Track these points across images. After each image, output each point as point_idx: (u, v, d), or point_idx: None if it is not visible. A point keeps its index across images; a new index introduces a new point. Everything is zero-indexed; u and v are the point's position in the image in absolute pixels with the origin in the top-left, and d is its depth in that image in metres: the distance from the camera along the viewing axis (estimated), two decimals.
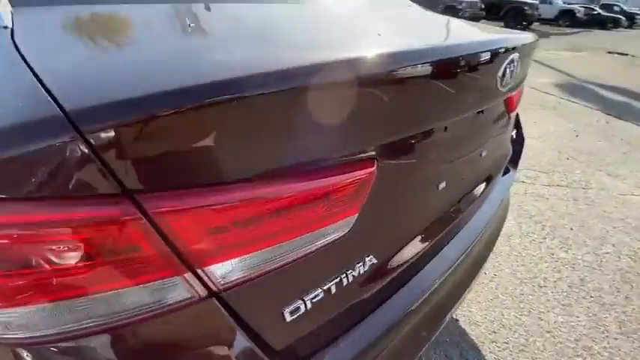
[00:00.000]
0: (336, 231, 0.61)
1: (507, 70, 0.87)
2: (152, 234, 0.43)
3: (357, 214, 0.63)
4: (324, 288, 0.61)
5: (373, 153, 0.64)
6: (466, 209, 1.03)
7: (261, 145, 0.49)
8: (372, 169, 0.63)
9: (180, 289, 0.46)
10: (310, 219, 0.56)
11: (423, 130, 0.76)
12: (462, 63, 0.73)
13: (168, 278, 0.45)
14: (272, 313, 0.56)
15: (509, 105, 1.18)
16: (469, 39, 0.86)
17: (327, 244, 0.60)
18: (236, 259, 0.50)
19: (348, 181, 0.59)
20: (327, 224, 0.59)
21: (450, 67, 0.72)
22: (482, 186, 1.15)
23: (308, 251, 0.58)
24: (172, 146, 0.42)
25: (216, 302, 0.49)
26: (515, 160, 1.46)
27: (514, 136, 1.47)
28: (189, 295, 0.47)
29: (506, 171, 1.40)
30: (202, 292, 0.48)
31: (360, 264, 0.67)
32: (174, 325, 0.48)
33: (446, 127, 0.83)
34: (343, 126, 0.57)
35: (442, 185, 0.86)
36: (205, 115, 0.43)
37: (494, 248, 1.33)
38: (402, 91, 0.64)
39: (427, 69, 0.66)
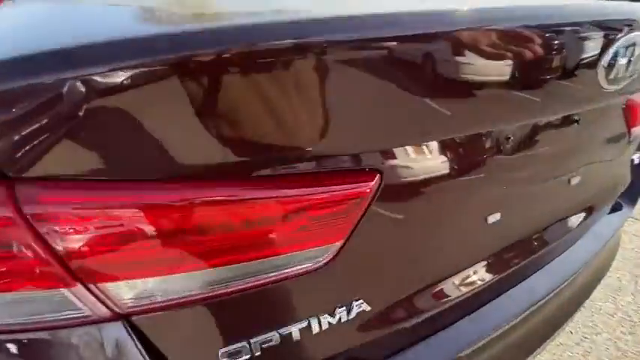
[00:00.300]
0: (306, 260, 0.46)
1: (619, 59, 0.59)
2: (29, 233, 0.34)
3: (341, 242, 0.47)
4: (283, 332, 0.46)
5: (375, 162, 0.47)
6: (538, 251, 0.76)
7: (199, 134, 0.36)
8: (369, 184, 0.46)
9: (70, 304, 0.37)
10: (265, 239, 0.42)
11: (465, 135, 0.55)
12: (536, 37, 0.50)
13: (53, 290, 0.36)
14: (201, 352, 0.44)
15: (630, 115, 0.85)
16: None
17: (291, 275, 0.45)
18: (151, 279, 0.39)
19: (327, 195, 0.44)
20: (290, 250, 0.44)
21: (517, 41, 0.49)
22: (570, 223, 0.85)
23: (260, 282, 0.44)
24: (61, 124, 0.33)
25: (122, 328, 0.39)
26: (634, 195, 1.08)
27: (636, 161, 1.08)
28: (80, 314, 0.38)
29: (618, 207, 1.04)
30: (101, 312, 0.38)
31: (343, 309, 0.50)
32: (64, 343, 0.39)
33: (508, 136, 0.60)
34: (327, 117, 0.41)
35: (494, 217, 0.63)
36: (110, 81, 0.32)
37: (588, 303, 1.00)
38: (432, 71, 0.45)
39: (476, 37, 0.46)
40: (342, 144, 0.45)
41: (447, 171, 0.55)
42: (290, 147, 0.42)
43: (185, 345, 0.43)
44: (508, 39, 0.49)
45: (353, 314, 0.51)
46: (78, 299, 0.37)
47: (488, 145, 0.58)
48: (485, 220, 0.63)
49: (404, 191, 0.51)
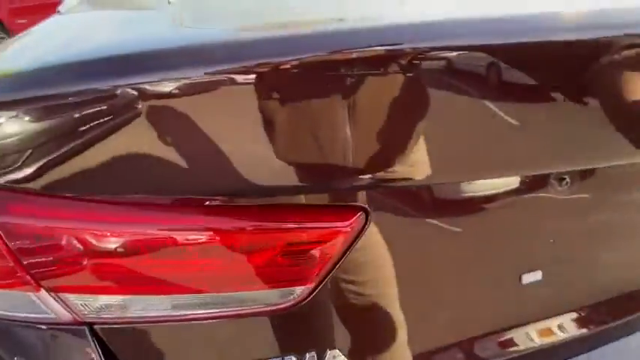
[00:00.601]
0: (272, 298, 0.42)
1: None
2: None
3: (312, 285, 0.42)
4: None
5: (359, 198, 0.41)
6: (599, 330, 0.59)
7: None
8: (346, 223, 0.40)
9: (37, 306, 0.40)
10: (223, 273, 0.40)
11: (497, 177, 0.45)
12: (597, 51, 0.38)
13: (21, 292, 0.39)
14: None
15: None
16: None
17: (253, 312, 0.42)
18: (110, 296, 0.40)
19: (300, 232, 0.39)
20: (250, 288, 0.41)
21: (566, 61, 0.39)
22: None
23: (217, 314, 0.41)
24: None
25: (85, 334, 0.41)
26: None
27: None
28: (48, 317, 0.40)
29: None
30: (65, 318, 0.40)
31: (313, 356, 0.45)
32: (36, 340, 0.42)
33: (563, 178, 0.47)
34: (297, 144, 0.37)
35: (532, 277, 0.50)
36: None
37: None
38: (453, 96, 0.38)
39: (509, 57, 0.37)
40: (321, 177, 0.40)
41: (471, 215, 0.45)
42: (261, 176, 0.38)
43: None
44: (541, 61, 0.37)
45: None
46: (42, 303, 0.39)
47: (528, 191, 0.47)
48: (520, 278, 0.50)
49: (397, 235, 0.43)
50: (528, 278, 0.51)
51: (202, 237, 0.38)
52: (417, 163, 0.41)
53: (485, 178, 0.45)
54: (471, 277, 0.49)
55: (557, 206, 0.48)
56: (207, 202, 0.38)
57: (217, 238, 0.38)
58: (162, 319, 0.41)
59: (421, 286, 0.47)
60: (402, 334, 0.47)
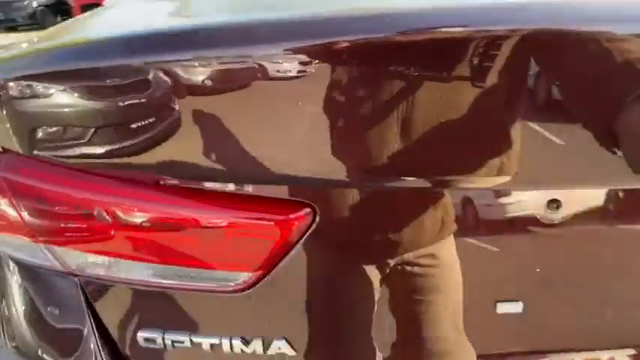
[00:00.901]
0: (224, 280, 0.44)
1: None
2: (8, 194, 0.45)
3: (260, 272, 0.43)
4: (194, 340, 0.47)
5: (311, 197, 0.41)
6: None
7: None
8: (297, 219, 0.40)
9: (40, 254, 0.48)
10: (181, 248, 0.44)
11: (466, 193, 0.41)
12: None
13: (26, 239, 0.47)
14: (128, 326, 0.49)
15: None
16: None
17: (208, 289, 0.45)
18: (89, 255, 0.46)
19: (250, 221, 0.41)
20: (206, 265, 0.44)
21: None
22: None
23: (176, 286, 0.46)
24: None
25: (75, 283, 0.48)
26: None
27: None
28: (48, 263, 0.48)
29: None
30: (58, 267, 0.48)
31: (260, 342, 0.46)
32: (41, 279, 0.51)
33: (557, 203, 0.41)
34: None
35: (512, 307, 0.45)
36: None
37: None
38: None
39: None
40: (275, 171, 0.41)
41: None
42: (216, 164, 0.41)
43: (118, 316, 0.50)
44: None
45: (272, 352, 0.47)
46: (41, 252, 0.48)
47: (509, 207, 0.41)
48: (494, 306, 0.45)
49: (345, 235, 0.42)
50: (507, 308, 0.45)
51: (155, 212, 0.42)
52: (371, 165, 0.39)
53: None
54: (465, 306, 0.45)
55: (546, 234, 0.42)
56: (163, 182, 0.42)
57: (173, 214, 0.42)
58: (125, 281, 0.46)
59: (369, 289, 0.45)
60: (349, 329, 0.46)
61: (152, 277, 0.45)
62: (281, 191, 0.42)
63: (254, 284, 0.44)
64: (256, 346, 0.47)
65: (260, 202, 0.42)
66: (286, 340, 0.46)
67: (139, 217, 0.42)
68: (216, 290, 0.45)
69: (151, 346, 0.48)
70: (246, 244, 0.42)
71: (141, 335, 0.48)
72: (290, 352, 0.47)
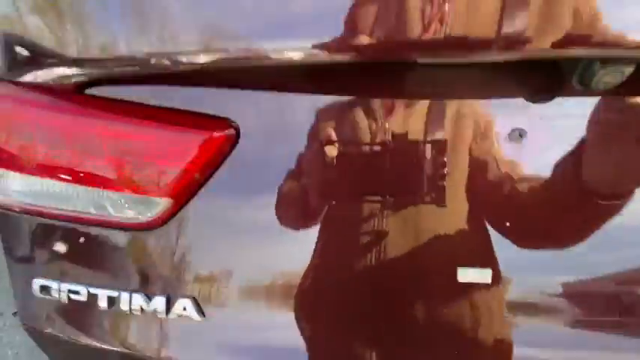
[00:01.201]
0: (130, 210, 0.39)
1: None
2: None
3: (172, 200, 0.38)
4: (91, 291, 0.39)
5: (233, 114, 0.38)
6: None
7: None
8: (215, 135, 0.37)
9: None
10: (86, 164, 0.38)
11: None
12: None
13: None
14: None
15: None
16: None
17: (112, 223, 0.40)
18: None
19: (163, 137, 0.37)
20: (111, 187, 0.38)
21: None
22: None
23: (77, 217, 0.40)
24: None
25: None
26: None
27: None
28: None
29: None
30: None
31: (162, 300, 0.38)
32: None
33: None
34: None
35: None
36: None
37: None
38: None
39: None
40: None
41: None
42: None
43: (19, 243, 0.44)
44: None
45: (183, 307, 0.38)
46: None
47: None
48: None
49: (271, 157, 0.38)
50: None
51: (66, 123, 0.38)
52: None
53: None
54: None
55: None
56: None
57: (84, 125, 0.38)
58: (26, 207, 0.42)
59: (295, 218, 0.38)
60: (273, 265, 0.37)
61: (58, 201, 0.40)
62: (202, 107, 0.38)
63: (170, 214, 0.38)
64: (158, 305, 0.39)
65: (181, 118, 0.39)
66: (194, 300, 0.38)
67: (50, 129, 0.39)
68: (129, 225, 0.39)
69: (46, 296, 0.41)
70: (162, 161, 0.38)
71: (38, 282, 0.42)
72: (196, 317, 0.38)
